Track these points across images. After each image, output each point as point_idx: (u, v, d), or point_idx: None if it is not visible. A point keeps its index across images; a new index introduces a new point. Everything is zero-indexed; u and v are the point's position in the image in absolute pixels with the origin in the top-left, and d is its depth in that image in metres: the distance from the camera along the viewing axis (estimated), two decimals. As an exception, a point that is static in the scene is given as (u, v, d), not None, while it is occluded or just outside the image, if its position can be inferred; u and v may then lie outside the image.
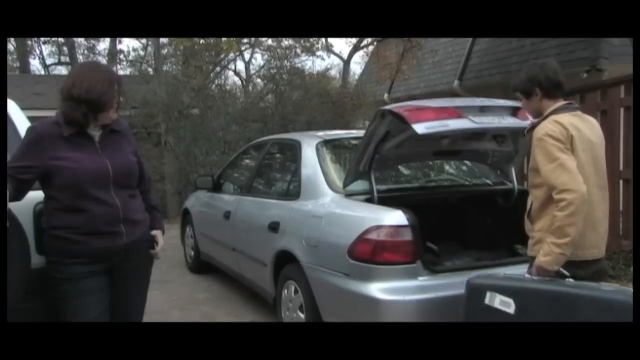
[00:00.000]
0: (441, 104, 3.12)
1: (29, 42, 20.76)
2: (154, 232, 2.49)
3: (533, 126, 2.57)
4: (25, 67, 20.79)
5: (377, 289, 2.95)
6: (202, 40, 10.72)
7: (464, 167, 4.41)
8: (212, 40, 10.70)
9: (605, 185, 2.58)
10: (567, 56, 7.94)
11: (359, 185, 3.66)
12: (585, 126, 2.52)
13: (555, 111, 2.52)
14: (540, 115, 2.59)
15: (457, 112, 2.99)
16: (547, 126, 2.44)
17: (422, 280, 2.99)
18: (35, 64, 22.51)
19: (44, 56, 22.19)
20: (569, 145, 2.40)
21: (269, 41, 14.73)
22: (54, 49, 21.53)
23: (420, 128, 2.88)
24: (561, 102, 2.56)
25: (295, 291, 3.57)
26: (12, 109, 2.92)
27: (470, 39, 10.29)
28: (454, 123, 2.96)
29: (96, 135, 2.28)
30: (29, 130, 2.25)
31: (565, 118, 2.48)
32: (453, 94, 10.64)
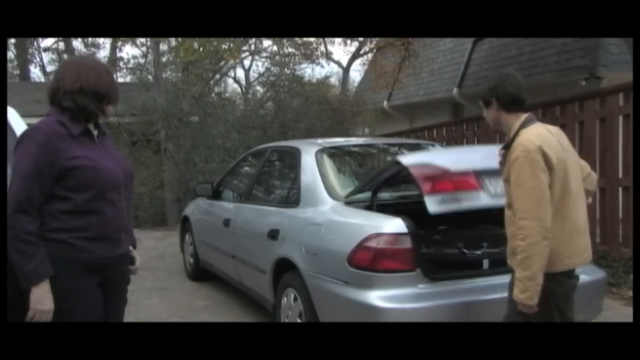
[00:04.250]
0: (462, 164, 3.12)
1: (30, 50, 20.81)
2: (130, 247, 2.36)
3: (507, 145, 2.57)
4: (25, 74, 20.82)
5: (377, 297, 2.95)
6: (201, 48, 10.73)
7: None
8: (212, 47, 10.70)
9: (582, 189, 2.62)
10: (566, 64, 7.97)
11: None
12: (552, 136, 2.55)
13: (523, 125, 2.54)
14: (498, 126, 2.67)
15: (477, 183, 3.02)
16: (523, 145, 2.44)
17: (422, 288, 2.99)
18: (35, 72, 22.54)
19: (44, 63, 22.23)
20: (543, 162, 2.41)
21: (271, 41, 14.74)
22: (54, 56, 21.57)
23: (433, 205, 3.00)
24: (525, 116, 2.58)
25: (295, 299, 3.56)
26: (12, 116, 2.94)
27: (469, 47, 10.32)
28: (470, 198, 3.06)
29: (95, 135, 2.17)
30: (32, 132, 2.05)
31: (534, 130, 2.51)
32: (452, 102, 10.66)
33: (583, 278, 3.32)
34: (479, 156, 3.30)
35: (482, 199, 3.03)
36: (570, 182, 2.50)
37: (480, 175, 3.08)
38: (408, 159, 3.08)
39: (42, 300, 1.97)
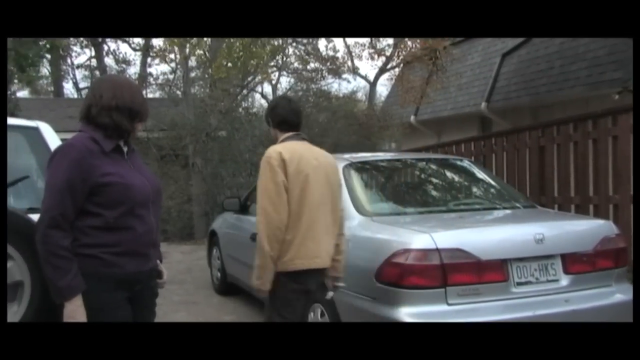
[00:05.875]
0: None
1: (63, 67, 21.41)
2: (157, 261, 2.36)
3: None
4: (59, 91, 21.42)
5: (405, 314, 2.91)
6: (229, 64, 10.91)
7: (492, 190, 4.35)
8: (240, 63, 10.84)
9: (330, 202, 2.87)
10: (598, 77, 7.83)
11: (387, 207, 3.63)
12: (309, 152, 2.88)
13: (283, 140, 2.93)
14: (277, 142, 2.98)
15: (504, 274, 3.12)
16: (267, 152, 2.83)
17: (452, 305, 2.93)
18: (68, 88, 23.16)
19: (77, 80, 22.83)
20: (282, 168, 2.74)
21: (295, 58, 14.92)
22: (87, 73, 22.17)
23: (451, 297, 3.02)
24: (288, 134, 2.95)
25: (322, 314, 3.54)
26: (47, 131, 3.01)
27: (497, 61, 10.23)
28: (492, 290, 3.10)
29: (125, 151, 2.20)
30: (66, 148, 2.08)
31: (288, 144, 2.87)
32: (481, 116, 10.57)
33: (619, 297, 3.23)
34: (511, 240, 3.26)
35: (504, 291, 3.07)
36: (310, 195, 2.76)
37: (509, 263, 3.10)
38: (440, 237, 3.00)
39: (75, 315, 1.99)
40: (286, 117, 2.98)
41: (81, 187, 2.01)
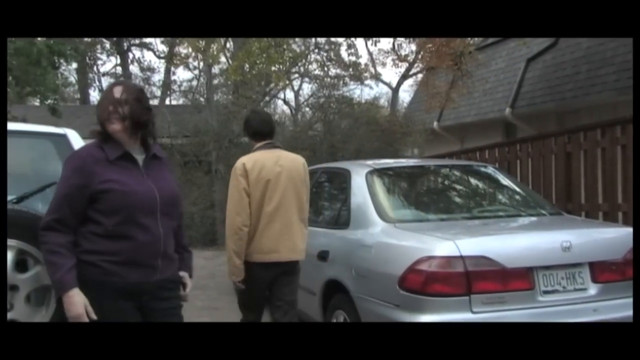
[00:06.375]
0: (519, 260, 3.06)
1: (90, 75, 21.82)
2: (182, 274, 2.34)
3: None
4: (85, 98, 21.82)
5: (428, 322, 2.87)
6: (248, 68, 10.95)
7: (517, 197, 4.29)
8: (258, 69, 10.88)
9: (295, 203, 3.29)
10: (627, 82, 7.68)
11: (410, 214, 3.60)
12: (273, 160, 3.27)
13: (256, 149, 3.34)
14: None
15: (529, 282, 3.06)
16: (237, 162, 3.29)
17: (477, 313, 2.89)
18: (94, 95, 23.61)
19: (103, 88, 23.21)
20: (244, 177, 3.21)
21: (316, 65, 14.95)
22: (112, 80, 22.55)
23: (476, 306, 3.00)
24: (259, 144, 3.36)
25: (345, 321, 3.52)
26: (73, 137, 3.07)
27: (522, 66, 10.12)
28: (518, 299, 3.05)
29: (140, 159, 2.19)
30: (72, 156, 2.17)
31: (254, 155, 3.29)
32: (505, 122, 10.46)
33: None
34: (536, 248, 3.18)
35: (530, 299, 3.01)
36: (269, 198, 3.21)
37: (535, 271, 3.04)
38: (465, 245, 2.97)
39: (70, 308, 2.02)
40: (257, 129, 3.40)
41: (80, 193, 2.06)
